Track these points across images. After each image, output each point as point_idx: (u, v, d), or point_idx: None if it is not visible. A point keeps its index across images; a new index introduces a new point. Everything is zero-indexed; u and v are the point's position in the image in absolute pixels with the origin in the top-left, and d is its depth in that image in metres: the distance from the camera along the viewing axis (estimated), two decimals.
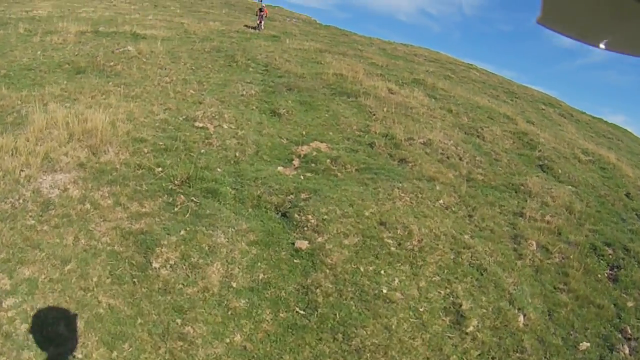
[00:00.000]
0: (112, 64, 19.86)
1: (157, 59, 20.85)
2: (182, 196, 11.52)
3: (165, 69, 20.10)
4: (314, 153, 14.56)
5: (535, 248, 13.01)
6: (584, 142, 24.65)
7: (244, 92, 18.15)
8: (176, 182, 11.85)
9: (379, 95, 20.79)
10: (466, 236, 12.61)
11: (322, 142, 15.52)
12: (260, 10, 37.69)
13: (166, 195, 11.47)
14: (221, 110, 16.21)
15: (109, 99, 16.21)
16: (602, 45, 1.24)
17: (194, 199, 11.51)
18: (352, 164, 14.30)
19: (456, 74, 34.53)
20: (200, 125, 15.04)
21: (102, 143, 12.83)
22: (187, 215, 10.99)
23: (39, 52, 21.21)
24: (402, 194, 13.32)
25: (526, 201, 14.89)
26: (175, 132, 14.35)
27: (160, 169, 12.33)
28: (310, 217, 11.37)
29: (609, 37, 1.21)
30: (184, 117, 15.60)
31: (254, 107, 17.18)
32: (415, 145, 16.65)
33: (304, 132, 15.99)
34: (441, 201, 13.88)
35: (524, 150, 19.37)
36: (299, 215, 11.46)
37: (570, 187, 16.78)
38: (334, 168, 13.98)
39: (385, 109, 19.25)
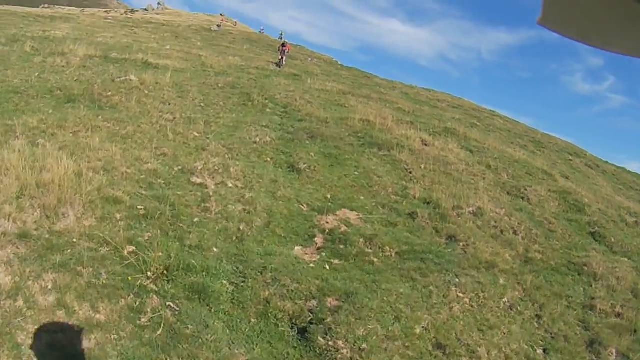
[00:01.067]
0: (109, 94, 15.95)
1: (161, 92, 16.91)
2: (155, 298, 7.31)
3: (169, 104, 16.15)
4: (342, 227, 10.44)
5: (615, 358, 9.47)
6: (622, 199, 21.33)
7: (258, 139, 14.09)
8: (150, 273, 7.65)
9: (413, 147, 16.76)
10: (539, 351, 9.00)
11: (352, 209, 11.40)
12: (283, 45, 34.77)
13: (132, 296, 7.23)
14: (227, 161, 12.15)
15: (93, 137, 12.22)
16: (603, 47, 1.11)
17: (173, 304, 7.30)
18: (391, 245, 10.16)
19: (481, 121, 31.14)
20: (199, 181, 10.99)
21: (61, 203, 8.71)
22: (159, 333, 6.77)
23: (35, 74, 17.36)
24: (460, 294, 9.21)
25: (591, 285, 11.53)
26: (164, 189, 10.27)
27: (131, 248, 8.15)
28: (341, 343, 7.11)
29: (610, 38, 1.08)
30: (179, 167, 11.56)
31: (269, 159, 13.10)
32: (464, 215, 12.53)
33: (328, 196, 11.89)
34: (505, 299, 9.90)
35: (572, 215, 15.64)
36: (324, 338, 7.19)
37: (627, 260, 13.37)
38: (369, 251, 9.84)
39: (422, 166, 15.19)
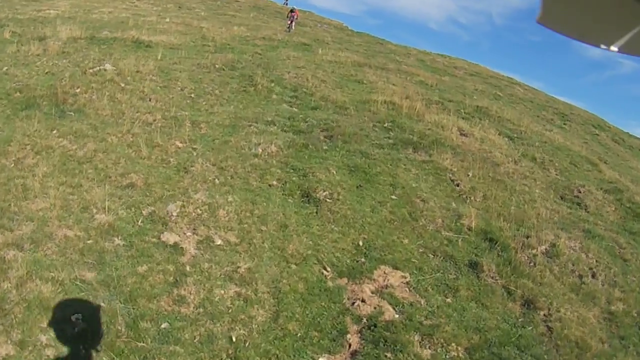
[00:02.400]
0: (77, 91, 11.71)
1: (141, 84, 12.57)
2: None
3: (150, 99, 11.85)
4: (386, 311, 6.31)
5: None
6: None
7: (260, 149, 9.77)
8: None
9: (452, 142, 12.48)
10: None
11: (394, 266, 7.24)
12: (292, 11, 30.40)
13: None
14: (215, 196, 7.96)
15: (38, 168, 8.21)
16: (602, 46, 1.08)
17: None
18: (457, 337, 6.08)
19: (502, 91, 26.66)
20: (172, 240, 6.87)
21: None
22: None
23: (2, 69, 13.15)
24: None
25: None
26: (118, 266, 6.20)
27: None
28: None
29: (608, 37, 1.05)
30: (148, 212, 7.46)
31: (274, 182, 8.82)
32: (538, 259, 8.40)
33: (360, 242, 7.71)
34: None
35: (633, 224, 11.52)
36: None
37: None
38: (429, 351, 5.78)
39: (470, 173, 10.95)
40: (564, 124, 23.64)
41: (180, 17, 29.62)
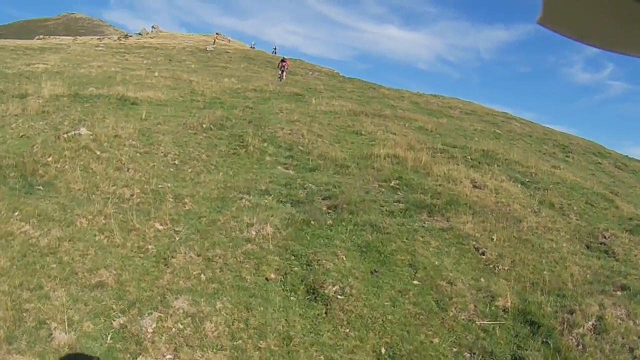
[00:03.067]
0: (48, 159, 10.00)
1: (119, 150, 10.85)
2: None
3: (128, 169, 10.10)
4: None
5: None
6: None
7: (254, 231, 7.96)
8: None
9: (468, 200, 10.78)
10: None
11: None
12: (283, 61, 29.29)
13: None
14: (201, 306, 6.10)
15: None
16: (602, 46, 1.00)
17: None
18: None
19: (500, 128, 25.41)
20: None
21: None
22: None
23: None
24: None
25: None
26: None
27: None
28: None
29: (610, 38, 0.98)
30: (118, 325, 5.67)
31: (272, 275, 6.98)
32: (586, 340, 6.63)
33: (382, 349, 5.88)
34: None
35: None
36: None
37: None
38: None
39: (494, 237, 9.21)
40: (567, 156, 22.33)
41: (170, 70, 28.38)
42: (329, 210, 9.17)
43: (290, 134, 14.17)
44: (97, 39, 45.62)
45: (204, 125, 13.55)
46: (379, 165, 12.59)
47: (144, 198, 9.07)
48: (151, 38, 45.50)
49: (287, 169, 11.58)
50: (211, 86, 23.28)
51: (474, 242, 8.86)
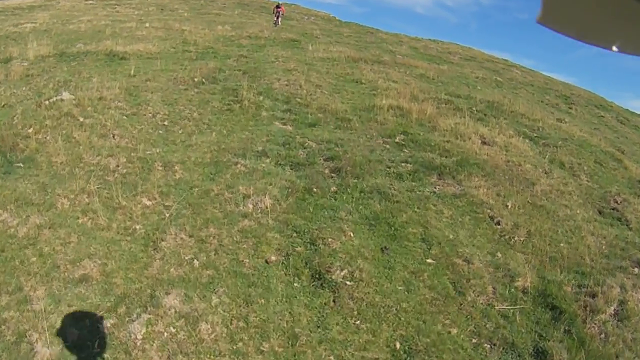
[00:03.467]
0: (29, 131, 8.88)
1: (103, 115, 9.73)
2: None
3: (114, 135, 9.04)
4: None
5: None
6: None
7: (251, 204, 6.99)
8: None
9: (478, 159, 9.85)
10: None
11: None
12: (277, 7, 27.42)
13: None
14: (195, 303, 5.21)
15: None
16: (603, 45, 1.01)
17: None
18: None
19: (501, 75, 23.88)
20: None
21: None
22: None
23: None
24: None
25: None
26: None
27: None
28: None
29: (609, 37, 0.98)
30: (104, 330, 4.87)
31: (273, 258, 6.04)
32: (608, 328, 6.01)
33: (397, 344, 5.06)
34: None
35: None
36: None
37: None
38: None
39: (508, 203, 8.35)
40: (569, 107, 21.17)
41: (162, 19, 26.60)
42: (332, 175, 8.21)
43: (287, 84, 13.00)
44: None
45: (196, 79, 12.36)
46: (382, 118, 11.54)
47: (131, 168, 8.08)
48: None
49: (284, 124, 10.51)
50: (204, 35, 21.76)
51: (488, 210, 7.98)
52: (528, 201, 8.75)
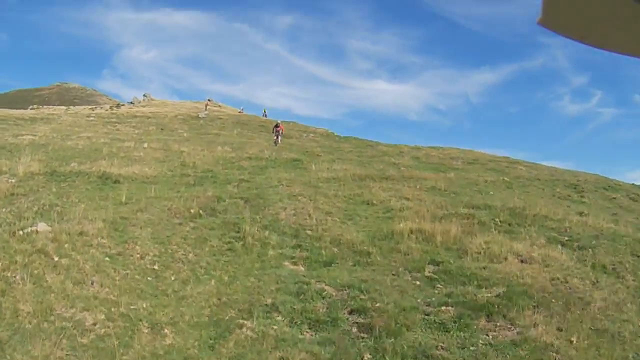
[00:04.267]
0: None
1: (83, 255, 8.08)
2: None
3: (93, 282, 7.32)
4: None
5: None
6: None
7: None
8: None
9: (523, 283, 8.24)
10: None
11: None
12: (277, 126, 27.20)
13: None
14: None
15: None
16: (602, 47, 1.00)
17: None
18: None
19: (508, 175, 22.54)
20: None
21: None
22: None
23: None
24: None
25: None
26: None
27: None
28: None
29: (609, 38, 0.98)
30: None
31: None
32: None
33: None
34: None
35: None
36: None
37: None
38: None
39: (573, 339, 6.65)
40: (582, 196, 19.74)
41: (161, 139, 25.93)
42: (362, 335, 6.40)
43: (294, 214, 11.52)
44: (90, 108, 43.45)
45: (192, 211, 10.86)
46: (404, 247, 9.93)
47: (110, 328, 6.29)
48: (143, 107, 43.34)
49: (295, 264, 8.86)
50: (203, 156, 20.83)
51: (554, 354, 6.19)
52: (590, 327, 7.13)
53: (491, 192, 17.36)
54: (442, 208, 13.67)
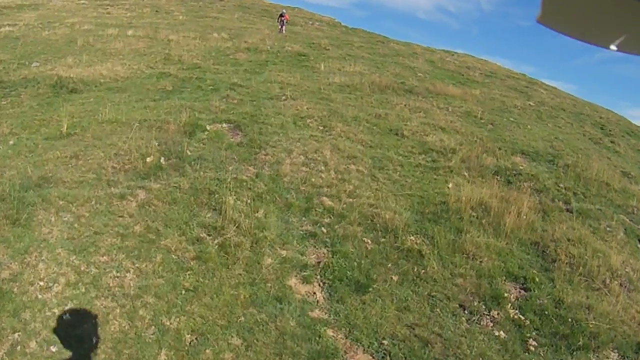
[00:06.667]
0: None
1: None
2: None
3: None
4: None
5: None
6: None
7: None
8: None
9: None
10: None
11: None
12: (281, 15, 21.73)
13: None
14: None
15: None
16: (602, 45, 0.91)
17: None
18: None
19: (532, 98, 17.48)
20: None
21: None
22: None
23: None
24: None
25: None
26: None
27: None
28: None
29: (609, 36, 0.88)
30: None
31: None
32: None
33: None
34: None
35: None
36: None
37: None
38: None
39: None
40: (612, 141, 15.13)
41: (153, 24, 20.12)
42: None
43: (304, 162, 7.03)
44: None
45: (149, 159, 6.27)
46: (469, 244, 5.68)
47: None
48: None
49: (308, 281, 4.67)
50: (194, 46, 15.60)
51: None
52: None
53: (529, 126, 12.71)
54: (488, 152, 9.26)
